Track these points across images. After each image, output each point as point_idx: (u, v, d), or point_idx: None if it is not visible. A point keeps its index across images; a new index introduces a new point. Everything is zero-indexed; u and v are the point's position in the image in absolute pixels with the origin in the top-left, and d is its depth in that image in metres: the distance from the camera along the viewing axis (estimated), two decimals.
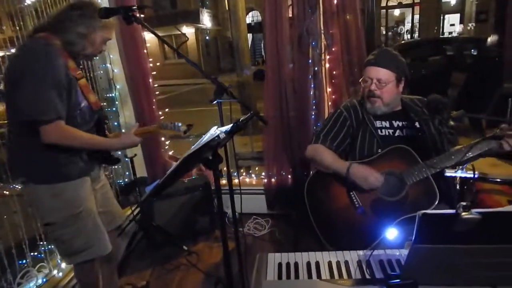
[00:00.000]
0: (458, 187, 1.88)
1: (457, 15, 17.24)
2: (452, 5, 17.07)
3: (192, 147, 1.26)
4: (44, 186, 1.46)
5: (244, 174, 3.21)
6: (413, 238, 0.87)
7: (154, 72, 2.90)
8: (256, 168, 3.27)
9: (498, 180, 1.85)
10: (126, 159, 2.82)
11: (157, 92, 2.96)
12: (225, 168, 2.27)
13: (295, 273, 1.17)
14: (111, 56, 2.78)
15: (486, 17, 14.18)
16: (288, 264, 1.21)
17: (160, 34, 1.43)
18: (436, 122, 1.61)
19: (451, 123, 1.22)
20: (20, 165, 1.49)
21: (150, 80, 2.88)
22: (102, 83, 2.83)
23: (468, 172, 1.20)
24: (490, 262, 0.90)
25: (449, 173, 1.35)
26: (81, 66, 2.70)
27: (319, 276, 1.15)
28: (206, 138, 1.27)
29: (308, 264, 1.21)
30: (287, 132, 2.83)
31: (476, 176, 1.18)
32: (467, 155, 1.41)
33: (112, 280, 1.87)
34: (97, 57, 2.80)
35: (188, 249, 2.54)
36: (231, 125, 1.33)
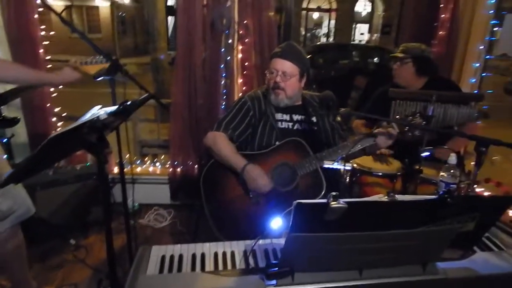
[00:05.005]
0: (347, 180, 2.05)
1: (367, 25, 19.02)
2: (363, 15, 18.74)
3: (67, 127, 1.11)
4: None
5: (148, 162, 3.04)
6: (289, 227, 0.88)
7: (47, 42, 2.54)
8: (162, 157, 3.12)
9: (380, 174, 2.05)
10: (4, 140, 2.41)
11: (49, 66, 2.60)
12: (127, 156, 2.11)
13: (179, 266, 1.11)
14: None
15: (389, 30, 16.03)
16: (172, 257, 1.15)
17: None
18: (331, 119, 1.71)
19: (338, 119, 1.29)
20: None
21: (41, 51, 2.52)
22: None
23: (346, 165, 1.28)
24: (357, 248, 0.97)
25: (326, 165, 1.43)
26: None
27: (203, 268, 1.11)
28: (85, 118, 1.12)
29: (194, 256, 1.16)
30: (194, 120, 2.75)
31: (348, 168, 1.26)
32: (351, 150, 1.52)
33: None
34: None
35: (76, 242, 2.30)
36: (117, 106, 1.20)
